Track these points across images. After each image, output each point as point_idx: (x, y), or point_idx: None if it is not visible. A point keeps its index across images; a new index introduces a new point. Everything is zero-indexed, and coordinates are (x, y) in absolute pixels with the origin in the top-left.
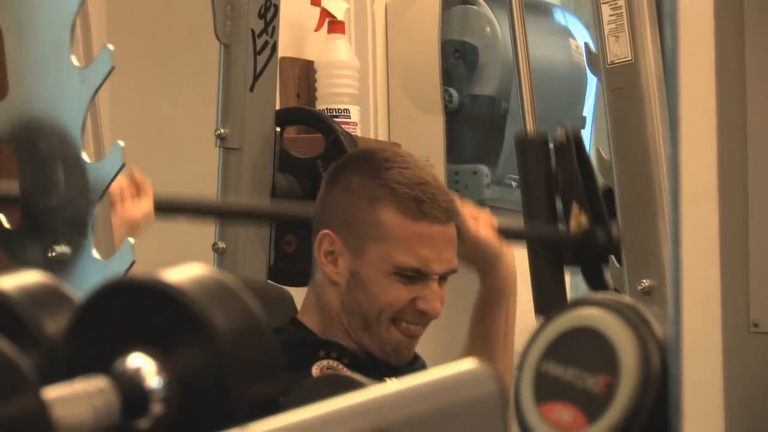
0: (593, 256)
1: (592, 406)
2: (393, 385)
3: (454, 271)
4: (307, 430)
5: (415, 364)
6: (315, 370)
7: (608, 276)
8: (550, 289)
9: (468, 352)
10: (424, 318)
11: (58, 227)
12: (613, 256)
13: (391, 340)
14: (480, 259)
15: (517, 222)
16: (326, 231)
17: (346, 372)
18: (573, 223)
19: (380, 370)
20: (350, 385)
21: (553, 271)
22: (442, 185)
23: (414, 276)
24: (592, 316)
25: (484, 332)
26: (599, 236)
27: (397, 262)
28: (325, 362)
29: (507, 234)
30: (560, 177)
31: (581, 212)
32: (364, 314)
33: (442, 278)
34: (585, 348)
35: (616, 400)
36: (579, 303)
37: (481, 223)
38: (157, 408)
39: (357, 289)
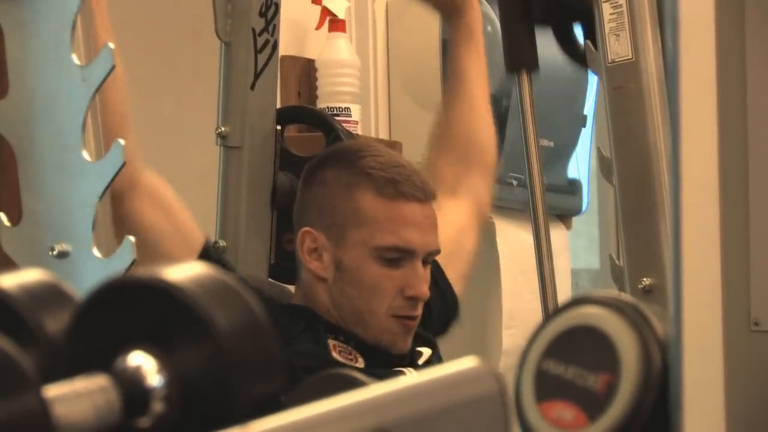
0: (563, 14)
1: (593, 404)
2: (394, 384)
3: (437, 252)
4: (307, 429)
5: (416, 351)
6: (330, 345)
7: (579, 38)
8: (521, 44)
9: (449, 91)
10: (415, 305)
11: (59, 225)
12: (612, 254)
13: (388, 332)
14: (449, 4)
15: None
16: (306, 228)
17: (357, 356)
18: None
19: (386, 356)
20: (351, 384)
21: (524, 26)
22: (417, 168)
23: (397, 258)
24: (593, 314)
25: (461, 71)
26: (570, 10)
27: (378, 244)
28: (335, 342)
29: None
30: None
31: None
32: (355, 308)
33: (425, 261)
34: (586, 346)
35: (617, 399)
36: (580, 301)
37: None
38: (157, 406)
39: (343, 281)
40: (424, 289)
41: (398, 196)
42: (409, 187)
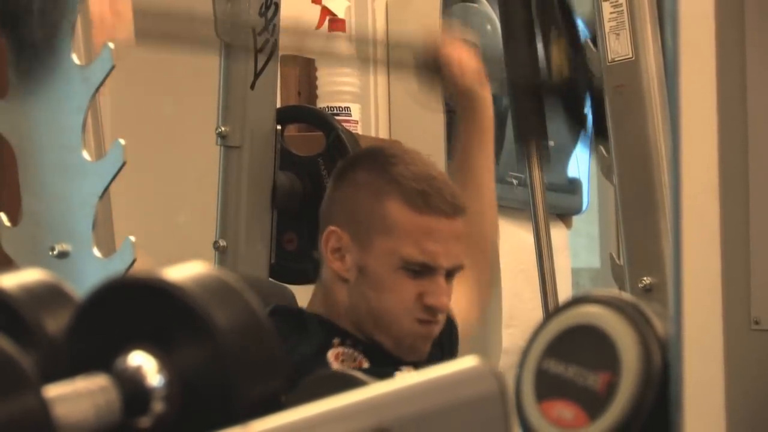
0: (574, 100)
1: (593, 403)
2: (394, 383)
3: (460, 267)
4: (308, 428)
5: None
6: (331, 356)
7: (588, 112)
8: (530, 116)
9: (457, 185)
10: (434, 314)
11: (59, 225)
12: (613, 253)
13: (409, 335)
14: (461, 99)
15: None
16: (333, 227)
17: (362, 360)
18: (554, 68)
19: (395, 359)
20: (351, 383)
21: (533, 99)
22: (448, 180)
23: (421, 270)
24: (594, 313)
25: (470, 170)
26: (580, 84)
27: (404, 256)
28: (340, 349)
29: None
30: (541, 20)
31: (562, 59)
32: (373, 311)
33: (449, 274)
34: (586, 346)
35: (617, 398)
36: (580, 300)
37: (466, 64)
38: (158, 406)
39: (365, 284)
40: (443, 301)
41: (427, 210)
42: (438, 201)
